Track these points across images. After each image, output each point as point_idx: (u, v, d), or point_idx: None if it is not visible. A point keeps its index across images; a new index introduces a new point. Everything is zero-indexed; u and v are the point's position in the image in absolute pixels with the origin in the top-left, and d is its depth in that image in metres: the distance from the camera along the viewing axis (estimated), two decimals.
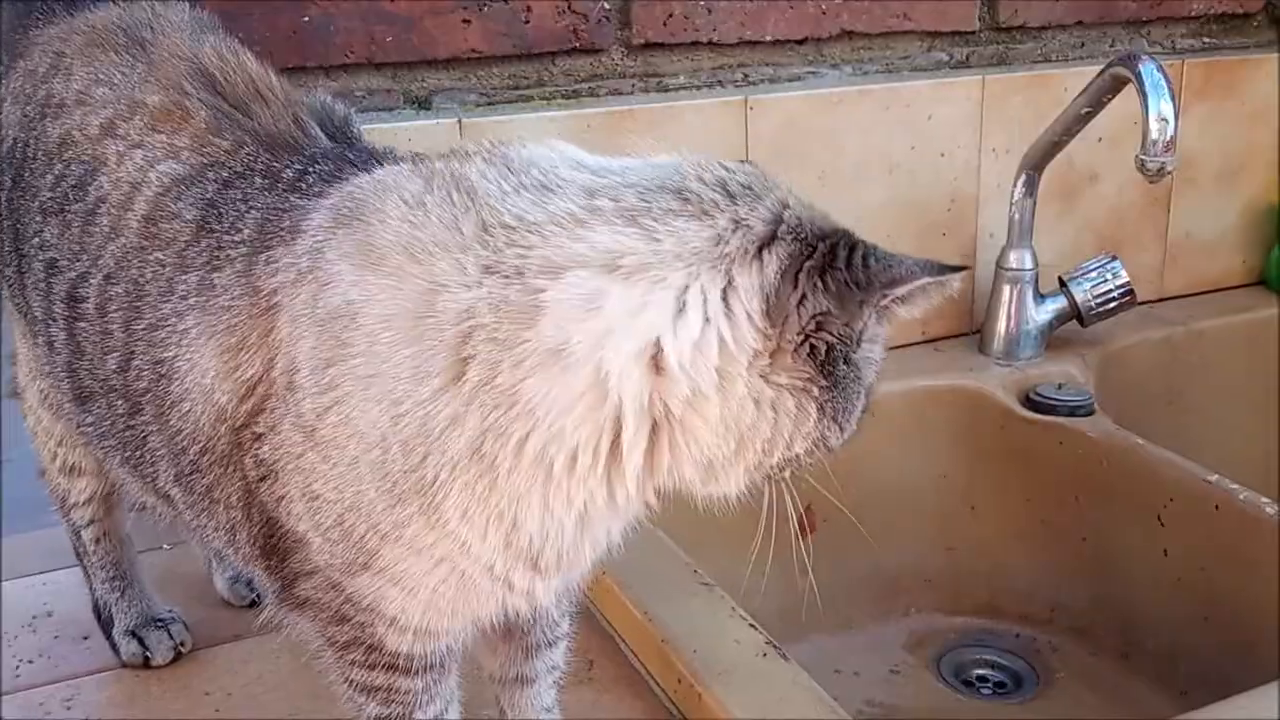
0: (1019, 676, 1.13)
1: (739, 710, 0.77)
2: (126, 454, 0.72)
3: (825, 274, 0.58)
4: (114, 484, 0.90)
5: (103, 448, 0.76)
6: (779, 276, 0.57)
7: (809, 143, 1.19)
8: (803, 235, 0.58)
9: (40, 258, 0.75)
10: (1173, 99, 1.02)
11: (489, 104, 1.10)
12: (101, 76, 0.76)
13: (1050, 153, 1.20)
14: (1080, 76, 1.15)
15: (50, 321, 0.75)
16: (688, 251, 0.56)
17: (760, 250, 0.57)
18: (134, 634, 0.89)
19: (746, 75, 1.22)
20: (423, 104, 1.08)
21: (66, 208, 0.73)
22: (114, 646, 0.89)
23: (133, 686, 0.86)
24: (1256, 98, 1.41)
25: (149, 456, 0.70)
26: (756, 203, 0.59)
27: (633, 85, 1.16)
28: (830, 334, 0.58)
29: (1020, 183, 1.22)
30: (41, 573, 1.01)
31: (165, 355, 0.66)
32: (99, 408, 0.73)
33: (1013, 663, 1.14)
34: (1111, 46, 1.38)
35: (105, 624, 0.90)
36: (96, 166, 0.73)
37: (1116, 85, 1.09)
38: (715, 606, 0.87)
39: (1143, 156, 1.03)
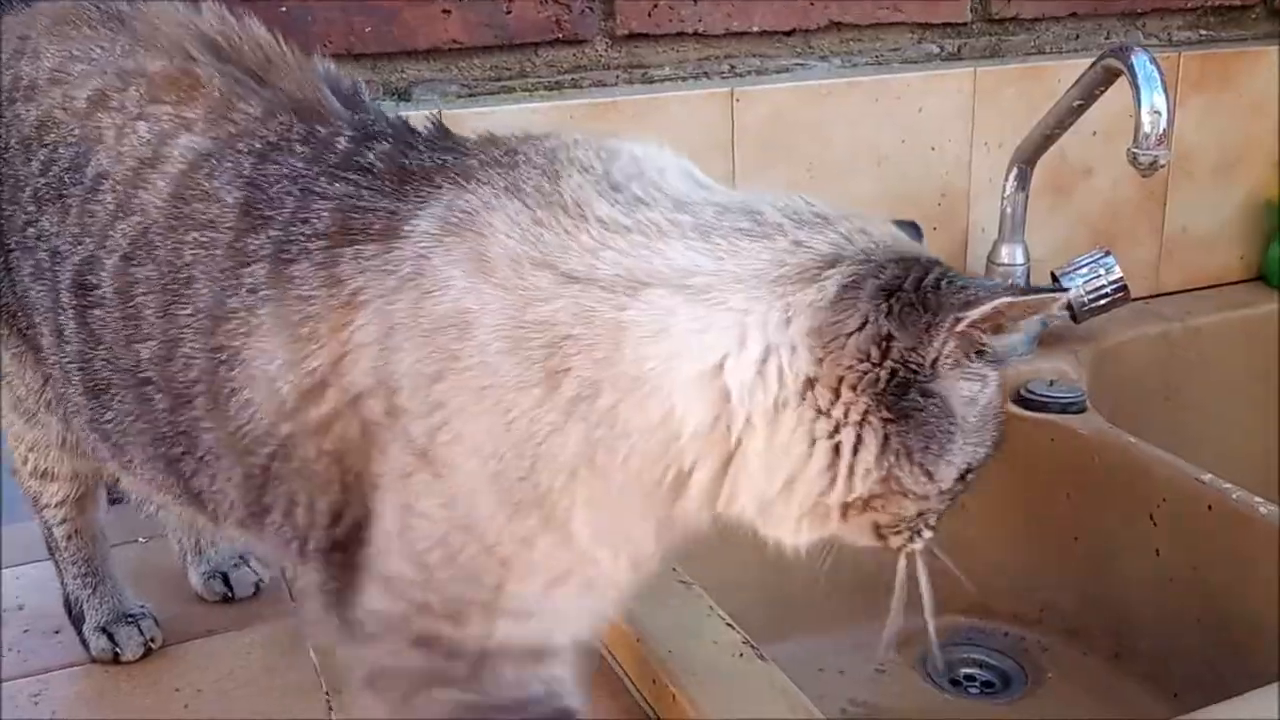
0: (1007, 676, 1.11)
1: (712, 711, 0.75)
2: (162, 450, 0.68)
3: (891, 297, 0.55)
4: (89, 486, 0.88)
5: (121, 443, 0.71)
6: (837, 298, 0.55)
7: (796, 135, 1.18)
8: (873, 258, 0.56)
9: (43, 248, 0.72)
10: (1165, 91, 1.00)
11: (470, 95, 1.09)
12: (76, 52, 0.73)
13: (1042, 146, 1.18)
14: (1074, 69, 1.13)
15: (59, 311, 0.71)
16: (748, 273, 0.55)
17: (820, 272, 0.55)
18: (104, 630, 0.88)
19: (733, 67, 1.20)
20: (402, 95, 1.07)
21: (64, 192, 0.70)
22: (84, 642, 0.88)
23: (102, 682, 0.85)
24: (1254, 90, 1.40)
25: (199, 453, 0.66)
26: (825, 227, 0.57)
27: (617, 77, 1.15)
28: (894, 360, 0.55)
29: (1012, 176, 1.21)
30: (14, 566, 1.00)
31: (231, 344, 0.63)
32: (122, 401, 0.69)
33: (1001, 662, 1.13)
34: (1106, 39, 1.37)
35: (76, 619, 0.89)
36: (90, 144, 0.69)
37: (1109, 77, 1.07)
38: (693, 605, 0.85)
39: (1135, 150, 1.02)
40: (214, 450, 0.65)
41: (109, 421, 0.71)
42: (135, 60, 0.71)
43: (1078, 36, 1.36)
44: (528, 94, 1.11)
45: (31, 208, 0.72)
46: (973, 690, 1.10)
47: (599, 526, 0.58)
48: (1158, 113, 1.00)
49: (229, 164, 0.65)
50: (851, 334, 0.54)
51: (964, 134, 1.26)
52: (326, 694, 0.81)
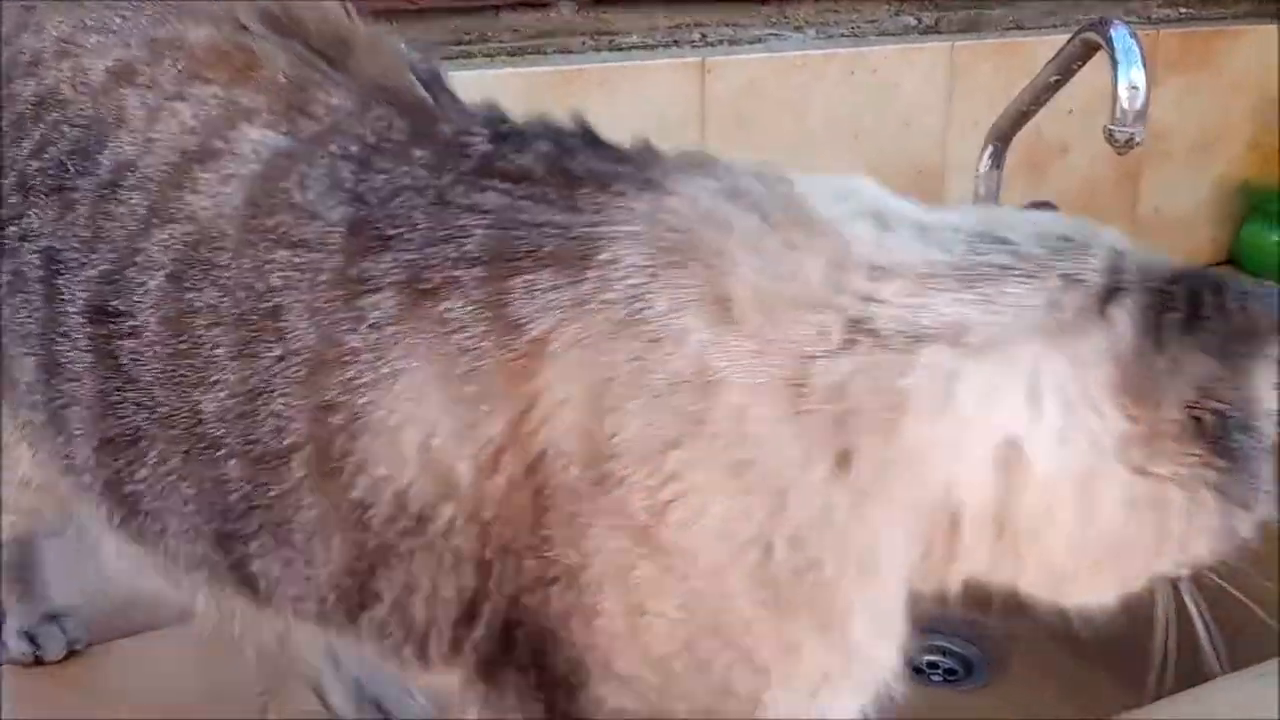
0: (970, 663, 1.10)
1: None
2: (217, 524, 0.55)
3: (1195, 330, 0.48)
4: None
5: (153, 511, 0.57)
6: (1137, 338, 0.47)
7: (769, 108, 1.15)
8: (1151, 282, 0.48)
9: (29, 251, 0.58)
10: (1144, 66, 0.98)
11: None
12: (90, 22, 0.60)
13: (1018, 123, 1.15)
14: (1052, 46, 1.10)
15: (56, 337, 0.57)
16: (1027, 324, 0.47)
17: (1101, 309, 0.48)
18: (26, 634, 0.82)
19: (704, 35, 1.17)
20: None
21: (66, 183, 0.57)
22: (3, 644, 0.83)
23: (22, 682, 0.80)
24: (1234, 70, 1.38)
25: (285, 532, 0.53)
26: (1084, 253, 0.49)
27: (583, 43, 1.11)
28: (1220, 401, 0.48)
29: (987, 154, 1.18)
30: None
31: (353, 402, 0.50)
32: (162, 460, 0.55)
33: (964, 649, 1.12)
34: (1086, 15, 1.34)
35: None
36: (105, 127, 0.57)
37: (1086, 52, 1.05)
38: None
39: (1112, 127, 0.99)
40: (309, 529, 0.53)
41: (141, 482, 0.56)
42: (169, 28, 0.59)
43: (1056, 12, 1.34)
44: (489, 59, 1.07)
45: (15, 199, 0.59)
46: (935, 678, 1.09)
47: (878, 621, 0.50)
48: (1135, 88, 0.98)
49: (321, 170, 0.53)
50: (1163, 381, 0.47)
51: (941, 109, 1.23)
52: (261, 694, 0.78)
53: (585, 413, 0.48)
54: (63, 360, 0.57)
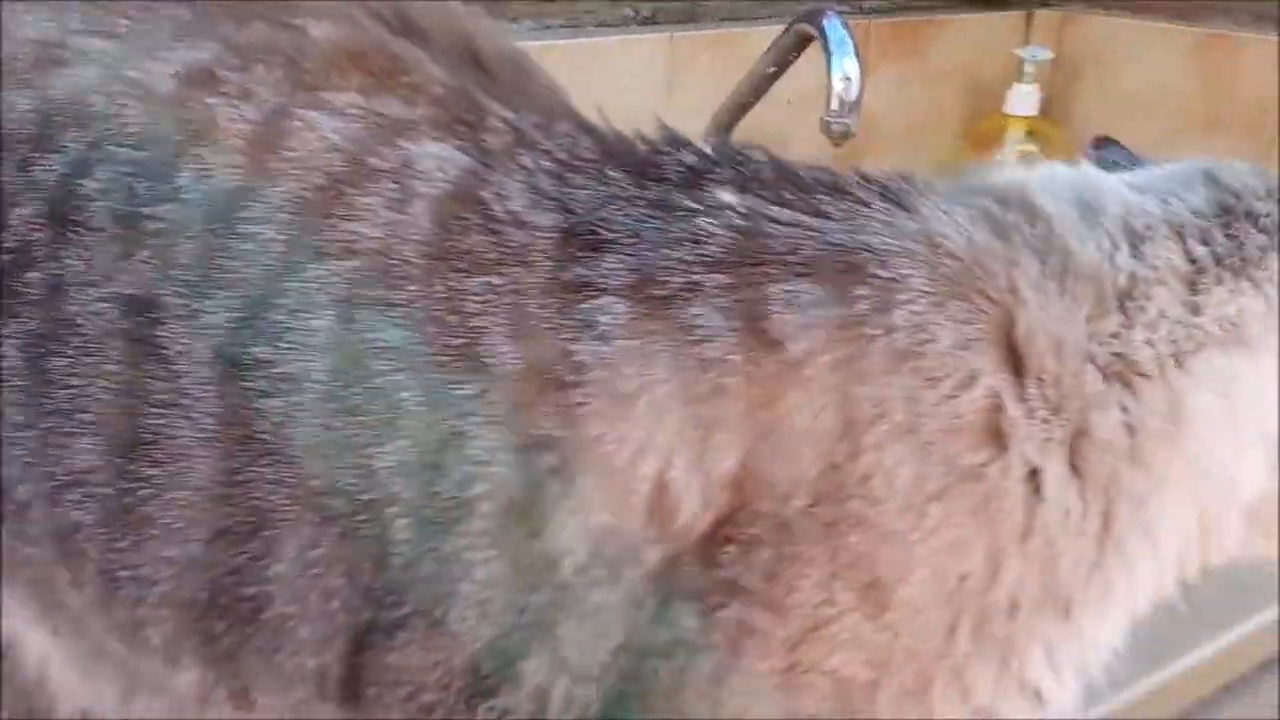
0: None
1: None
2: (364, 615, 0.46)
3: None
4: None
5: (275, 615, 0.47)
6: None
7: None
8: None
9: (87, 297, 0.48)
10: (858, 57, 1.00)
11: None
12: (77, 25, 0.51)
13: (738, 114, 1.16)
14: (770, 36, 1.12)
15: (150, 406, 0.47)
16: None
17: None
18: None
19: None
20: None
21: (139, 210, 0.48)
22: None
23: None
24: (939, 58, 1.44)
25: (437, 604, 0.45)
26: None
27: None
28: None
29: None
30: None
31: (567, 435, 0.43)
32: (309, 546, 0.46)
33: None
34: (801, 5, 1.36)
35: None
36: (186, 142, 0.48)
37: (801, 43, 1.07)
38: None
39: (827, 118, 1.02)
40: (471, 596, 0.45)
41: (271, 582, 0.47)
42: (256, 30, 0.51)
43: (772, 2, 1.35)
44: None
45: (40, 235, 0.49)
46: None
47: (1064, 656, 0.48)
48: (849, 79, 1.00)
49: (519, 182, 0.48)
50: None
51: (661, 101, 1.21)
52: None
53: (834, 448, 0.43)
54: (158, 435, 0.47)
